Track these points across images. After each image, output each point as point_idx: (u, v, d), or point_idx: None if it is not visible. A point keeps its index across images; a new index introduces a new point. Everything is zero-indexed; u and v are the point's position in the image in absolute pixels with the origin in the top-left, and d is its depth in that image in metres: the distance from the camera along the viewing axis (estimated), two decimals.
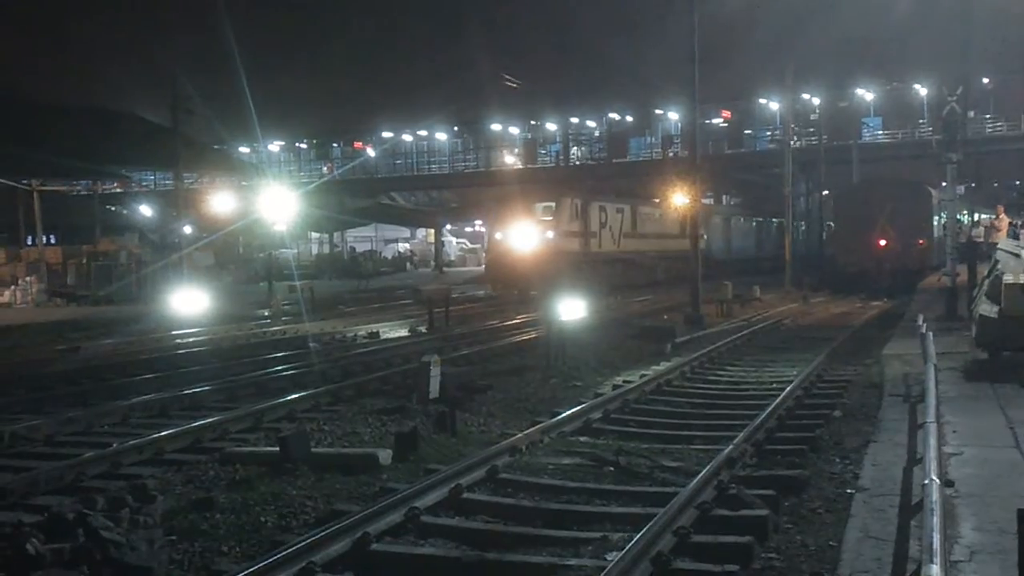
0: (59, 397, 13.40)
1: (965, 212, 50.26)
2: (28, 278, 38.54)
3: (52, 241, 48.54)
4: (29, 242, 48.16)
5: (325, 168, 77.60)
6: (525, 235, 33.92)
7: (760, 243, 57.80)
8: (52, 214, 45.73)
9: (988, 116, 59.82)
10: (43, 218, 42.58)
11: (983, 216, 59.90)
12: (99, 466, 9.13)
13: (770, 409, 10.91)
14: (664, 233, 42.60)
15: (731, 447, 8.87)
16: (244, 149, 74.62)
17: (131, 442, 9.96)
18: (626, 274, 38.89)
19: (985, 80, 56.45)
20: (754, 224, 59.41)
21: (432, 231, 70.21)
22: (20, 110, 39.56)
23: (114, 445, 9.92)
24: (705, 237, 44.78)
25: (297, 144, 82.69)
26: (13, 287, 37.42)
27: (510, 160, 73.22)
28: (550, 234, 33.97)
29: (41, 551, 6.24)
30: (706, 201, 54.57)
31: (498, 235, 36.24)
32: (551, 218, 34.66)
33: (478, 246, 67.76)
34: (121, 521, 6.92)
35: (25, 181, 43.68)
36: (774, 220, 62.17)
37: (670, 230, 42.49)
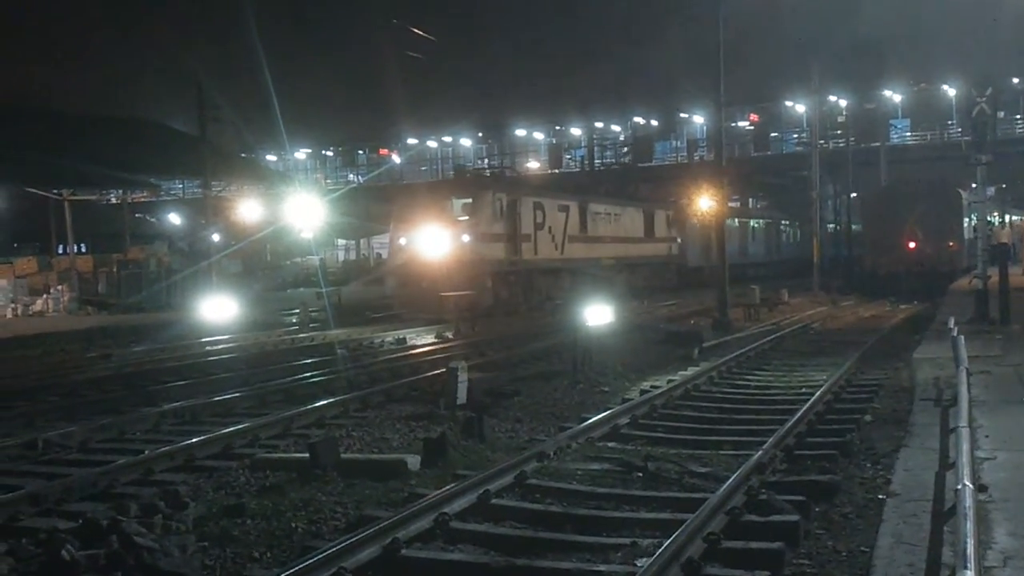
0: (91, 404, 13.53)
1: (995, 214, 49.75)
2: (59, 287, 39.04)
3: (83, 250, 49.10)
4: (60, 251, 48.76)
5: (351, 175, 77.96)
6: (435, 239, 27.32)
7: (753, 248, 53.48)
8: (83, 223, 46.29)
9: (1018, 116, 59.19)
10: (74, 227, 43.08)
11: (1014, 218, 59.32)
12: (132, 473, 9.21)
13: (800, 414, 10.84)
14: (626, 236, 37.05)
15: (761, 452, 8.83)
16: (271, 157, 75.11)
17: (163, 449, 10.06)
18: (573, 286, 30.96)
19: (1015, 80, 55.87)
20: (757, 226, 55.44)
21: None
22: (49, 121, 40.04)
23: (146, 452, 10.02)
24: (679, 241, 42.46)
25: (323, 151, 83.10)
26: (45, 296, 37.91)
27: (535, 165, 73.19)
28: (466, 237, 27.27)
29: (76, 557, 6.32)
30: (733, 204, 54.15)
31: (402, 240, 28.56)
32: (468, 217, 27.99)
33: None
34: (154, 527, 7.01)
35: (56, 191, 44.22)
36: (784, 222, 59.32)
37: (633, 232, 37.70)
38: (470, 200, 28.35)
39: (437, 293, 25.86)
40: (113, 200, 65.24)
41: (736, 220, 48.70)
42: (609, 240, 35.64)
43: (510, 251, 28.90)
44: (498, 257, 28.21)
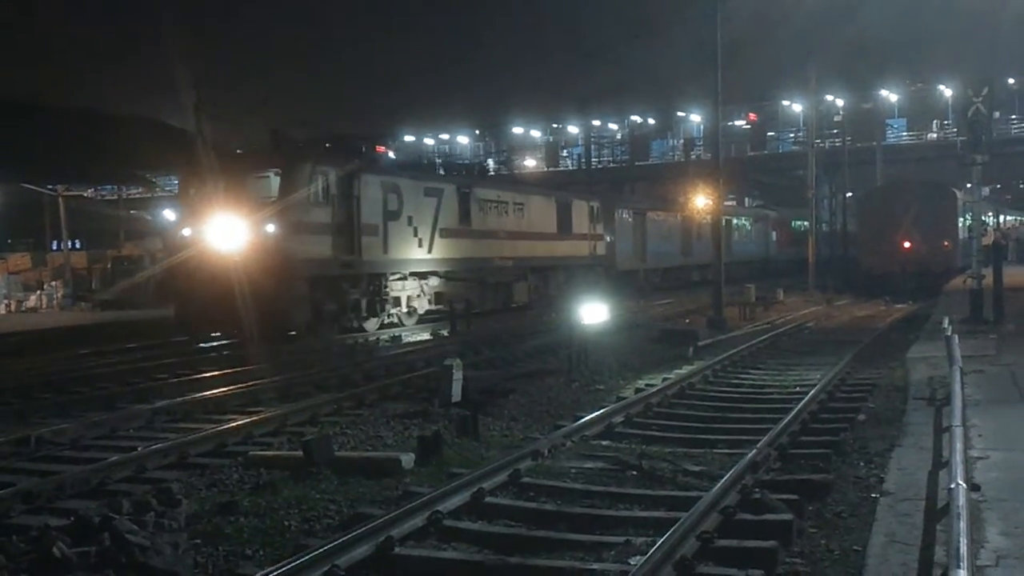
0: (84, 401, 13.50)
1: (990, 214, 49.85)
2: (53, 283, 38.96)
3: (77, 246, 48.98)
4: (54, 247, 48.66)
5: None
6: (228, 230, 19.49)
7: (695, 247, 46.36)
8: (77, 220, 46.16)
9: (1014, 117, 59.29)
10: (68, 224, 42.98)
11: (1009, 218, 59.41)
12: (124, 470, 9.19)
13: (794, 413, 10.85)
14: (531, 231, 29.65)
15: (755, 451, 8.83)
16: None
17: (156, 446, 10.04)
18: (452, 297, 25.07)
19: (1010, 80, 55.95)
20: (699, 223, 46.34)
21: None
22: (43, 116, 39.92)
23: (139, 449, 10.00)
24: (607, 240, 36.27)
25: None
26: (39, 291, 37.84)
27: (532, 163, 73.23)
28: (271, 227, 19.48)
29: (67, 554, 6.30)
30: (728, 203, 53.82)
31: (185, 231, 20.56)
32: (275, 199, 19.86)
33: None
34: (146, 525, 6.99)
35: (50, 187, 44.13)
36: (741, 219, 51.13)
37: (541, 227, 30.33)
38: (277, 175, 20.21)
39: (229, 306, 18.47)
40: (108, 196, 65.16)
41: (627, 212, 41.24)
42: (505, 236, 28.08)
43: (342, 247, 20.99)
44: (322, 255, 20.41)
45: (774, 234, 56.98)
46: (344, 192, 21.11)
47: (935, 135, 58.78)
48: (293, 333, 20.60)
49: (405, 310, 23.94)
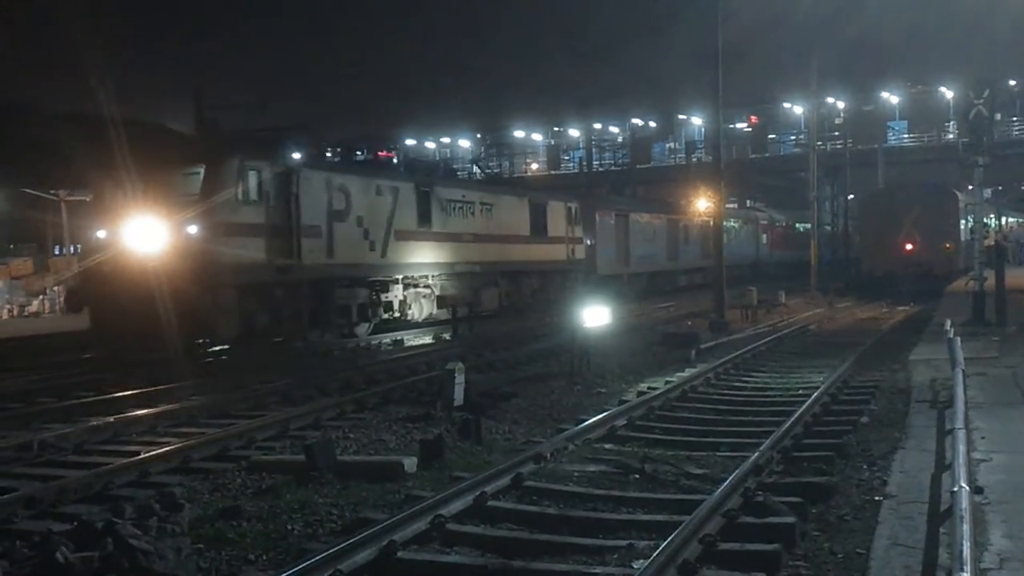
0: (87, 405, 13.50)
1: (992, 216, 49.83)
2: (55, 288, 38.94)
3: (79, 251, 48.99)
4: (57, 252, 48.68)
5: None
6: (147, 231, 17.51)
7: (681, 251, 45.17)
8: (80, 224, 46.17)
9: (1015, 119, 59.31)
10: (70, 228, 43.00)
11: (1010, 220, 59.34)
12: (127, 475, 9.19)
13: (797, 415, 10.84)
14: (501, 234, 27.81)
15: (757, 454, 8.82)
16: None
17: (159, 451, 10.04)
18: (409, 304, 23.75)
19: (1012, 82, 55.98)
20: (692, 225, 46.02)
21: None
22: (43, 120, 39.95)
23: (142, 454, 10.00)
24: (587, 243, 34.81)
25: (323, 152, 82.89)
26: (41, 296, 37.84)
27: (534, 167, 73.28)
28: (193, 228, 17.51)
29: (70, 559, 6.30)
30: (729, 206, 53.66)
31: (100, 232, 18.56)
32: (199, 197, 17.76)
33: None
34: (149, 529, 6.99)
35: (52, 191, 44.16)
36: (731, 221, 47.66)
37: (514, 229, 28.53)
38: (201, 171, 18.15)
39: (149, 316, 16.49)
40: None
41: (609, 214, 39.45)
42: (471, 239, 26.18)
43: (278, 251, 18.92)
44: (253, 260, 18.28)
45: (764, 236, 56.34)
46: (281, 190, 19.11)
47: (951, 136, 58.37)
48: (219, 347, 18.55)
49: (355, 319, 21.81)
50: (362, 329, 22.10)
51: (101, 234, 18.44)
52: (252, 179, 18.42)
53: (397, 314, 23.29)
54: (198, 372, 16.12)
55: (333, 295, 20.82)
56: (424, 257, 24.05)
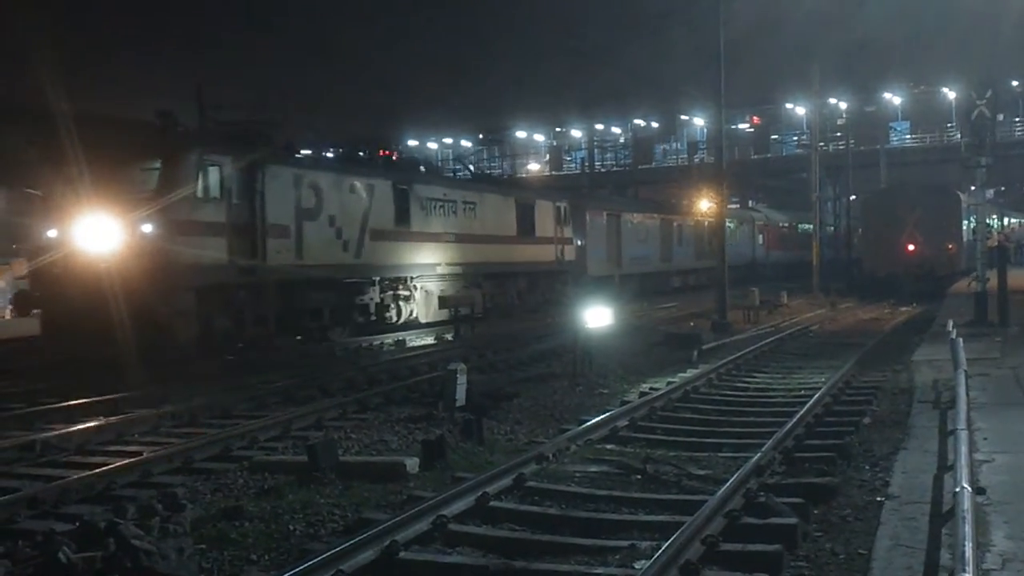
0: (90, 405, 13.50)
1: (994, 216, 49.82)
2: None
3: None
4: None
5: None
6: (99, 230, 16.22)
7: (675, 252, 44.17)
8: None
9: (1017, 119, 59.26)
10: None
11: (1012, 220, 59.30)
12: (130, 475, 9.20)
13: (799, 416, 10.84)
14: (486, 234, 26.56)
15: (759, 455, 8.82)
16: None
17: (161, 451, 10.05)
18: (388, 308, 22.74)
19: (1015, 83, 55.94)
20: (679, 226, 44.73)
21: None
22: (39, 116, 39.82)
23: (144, 454, 10.01)
24: (578, 244, 33.53)
25: (324, 152, 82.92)
26: None
27: (536, 167, 73.28)
28: (148, 227, 16.24)
29: (73, 560, 6.30)
30: (731, 206, 53.58)
31: (51, 232, 17.10)
32: (154, 194, 16.46)
33: None
34: (151, 530, 6.99)
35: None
36: (727, 222, 47.89)
37: (499, 229, 27.30)
38: (157, 165, 16.97)
39: (102, 321, 15.35)
40: None
41: (598, 212, 38.10)
42: (452, 239, 24.94)
43: (241, 251, 17.77)
44: (214, 261, 17.12)
45: (761, 237, 55.97)
46: (244, 186, 17.91)
47: (954, 137, 58.21)
48: (176, 355, 16.80)
49: (327, 323, 20.76)
50: (336, 333, 21.16)
51: (52, 233, 17.05)
52: (213, 175, 17.30)
53: (374, 317, 22.32)
54: (153, 379, 14.94)
55: (303, 298, 19.67)
56: (401, 258, 22.92)
